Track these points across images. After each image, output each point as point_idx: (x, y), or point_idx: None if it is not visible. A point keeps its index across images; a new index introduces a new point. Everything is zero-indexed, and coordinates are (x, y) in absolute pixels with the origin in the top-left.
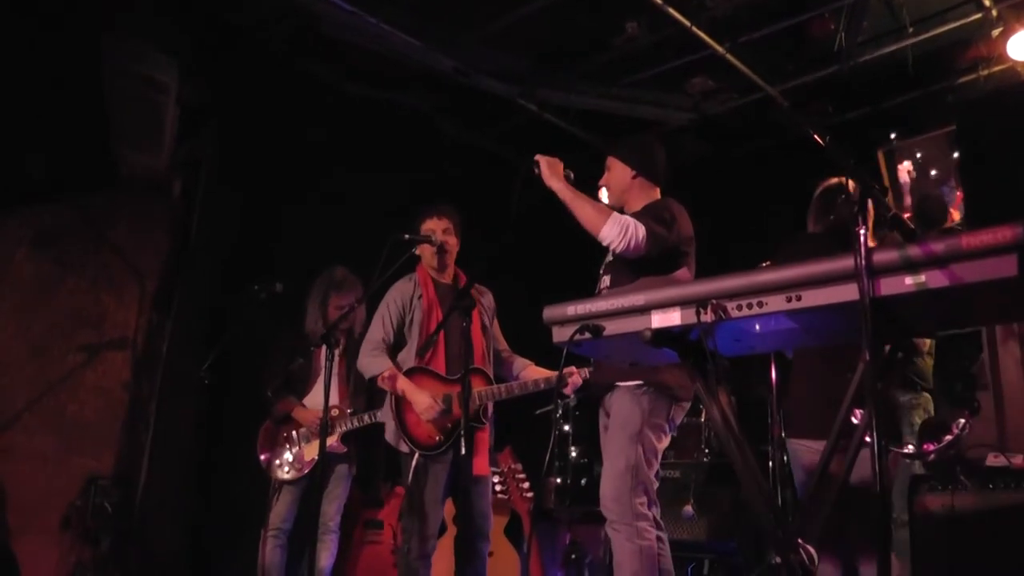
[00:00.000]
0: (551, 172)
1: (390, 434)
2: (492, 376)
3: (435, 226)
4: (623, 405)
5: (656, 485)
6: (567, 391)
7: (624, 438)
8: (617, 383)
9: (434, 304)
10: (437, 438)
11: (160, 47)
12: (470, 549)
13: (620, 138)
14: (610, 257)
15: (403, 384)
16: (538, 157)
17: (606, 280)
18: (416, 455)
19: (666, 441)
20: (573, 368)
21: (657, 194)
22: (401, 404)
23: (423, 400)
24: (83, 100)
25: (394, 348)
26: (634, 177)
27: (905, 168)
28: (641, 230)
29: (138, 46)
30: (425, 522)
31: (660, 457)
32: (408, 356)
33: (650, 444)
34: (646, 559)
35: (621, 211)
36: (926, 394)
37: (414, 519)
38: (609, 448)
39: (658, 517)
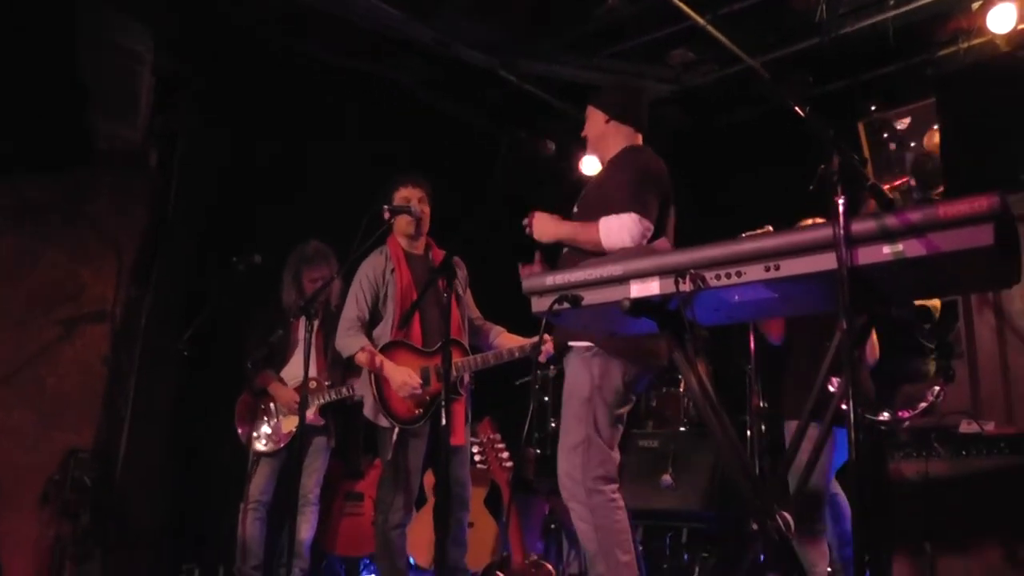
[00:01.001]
0: (543, 230)
1: (368, 409)
2: (468, 347)
3: (410, 194)
4: (573, 370)
5: (617, 458)
6: (540, 359)
7: (575, 406)
8: (569, 343)
9: (408, 277)
10: (417, 411)
11: (135, 16)
12: (450, 518)
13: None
14: (575, 210)
15: (379, 361)
16: (530, 221)
17: None
18: (396, 429)
19: (627, 406)
20: (547, 336)
21: (638, 140)
22: (380, 379)
23: (399, 377)
24: (58, 70)
25: (370, 324)
26: (607, 122)
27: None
28: (635, 223)
29: (112, 15)
30: (403, 494)
31: (622, 422)
32: (384, 331)
33: (603, 411)
34: (604, 536)
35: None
36: (932, 359)
37: (392, 491)
38: (563, 419)
39: (615, 494)
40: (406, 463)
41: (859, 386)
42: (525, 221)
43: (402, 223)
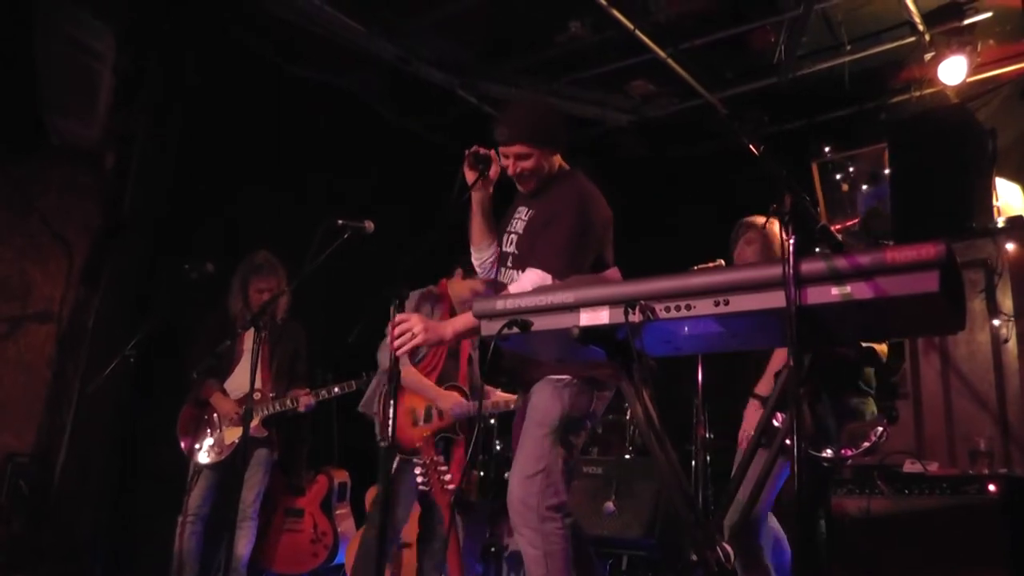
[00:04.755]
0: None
1: (379, 429)
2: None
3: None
4: (542, 398)
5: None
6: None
7: (540, 435)
8: (548, 376)
9: None
10: (417, 444)
11: (97, 14)
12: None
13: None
14: (515, 250)
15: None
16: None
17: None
18: (398, 456)
19: (584, 436)
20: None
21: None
22: (396, 405)
23: (452, 396)
24: (13, 62)
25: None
26: (553, 155)
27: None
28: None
29: (74, 11)
30: (392, 516)
31: (578, 452)
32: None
33: (567, 442)
34: (553, 563)
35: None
36: (871, 398)
37: (381, 512)
38: (522, 446)
39: (568, 519)
40: (399, 489)
41: (804, 422)
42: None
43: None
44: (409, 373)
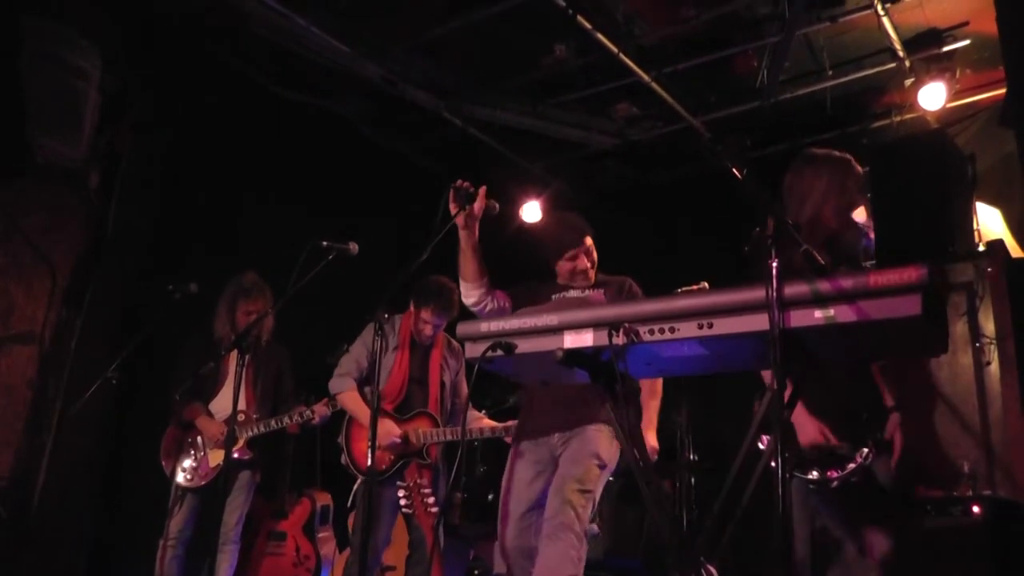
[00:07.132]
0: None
1: (343, 458)
2: (440, 422)
3: (427, 318)
4: (599, 438)
5: None
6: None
7: (594, 464)
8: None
9: (406, 362)
10: (380, 467)
11: (83, 33)
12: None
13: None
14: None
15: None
16: None
17: None
18: (359, 479)
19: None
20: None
21: None
22: (349, 433)
23: (382, 427)
24: None
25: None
26: None
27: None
28: None
29: (60, 30)
30: (365, 540)
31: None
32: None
33: (605, 483)
34: (580, 570)
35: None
36: None
37: (356, 537)
38: (573, 468)
39: None
40: (369, 512)
41: (788, 445)
42: None
43: (416, 322)
44: (349, 399)
